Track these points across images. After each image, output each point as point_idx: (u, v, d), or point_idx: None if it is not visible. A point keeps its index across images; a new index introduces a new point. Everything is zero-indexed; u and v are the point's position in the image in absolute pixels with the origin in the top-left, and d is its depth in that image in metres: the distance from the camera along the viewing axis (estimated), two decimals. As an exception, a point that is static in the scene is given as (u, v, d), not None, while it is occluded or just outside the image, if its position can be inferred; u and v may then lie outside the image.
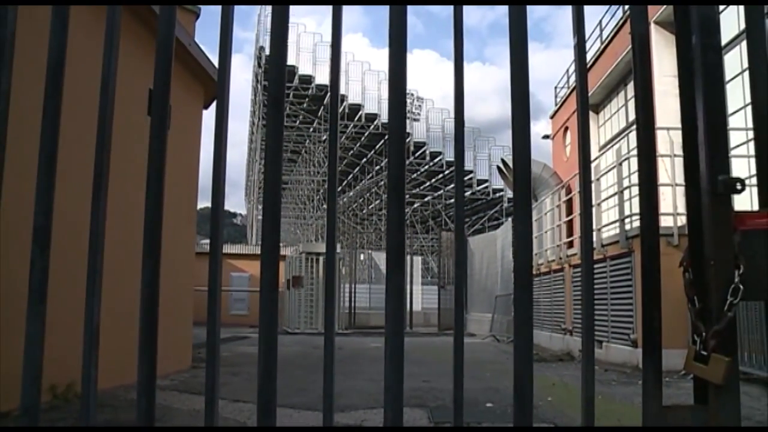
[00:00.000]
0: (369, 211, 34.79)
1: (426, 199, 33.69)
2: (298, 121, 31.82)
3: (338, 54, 1.34)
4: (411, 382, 5.52)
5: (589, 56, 12.88)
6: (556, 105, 18.43)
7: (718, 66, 1.31)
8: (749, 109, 1.37)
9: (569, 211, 11.77)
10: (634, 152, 6.24)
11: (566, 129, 17.01)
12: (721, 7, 3.31)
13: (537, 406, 4.62)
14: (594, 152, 12.92)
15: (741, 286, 1.21)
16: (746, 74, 1.41)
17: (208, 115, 8.16)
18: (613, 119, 14.71)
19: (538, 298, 12.18)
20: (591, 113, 13.79)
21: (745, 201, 1.57)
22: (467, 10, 1.34)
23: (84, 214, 1.26)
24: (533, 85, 1.38)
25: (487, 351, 10.79)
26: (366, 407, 4.66)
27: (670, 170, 7.92)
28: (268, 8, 23.31)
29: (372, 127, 30.07)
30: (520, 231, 1.26)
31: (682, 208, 7.58)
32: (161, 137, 1.27)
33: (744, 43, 4.80)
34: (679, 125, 1.35)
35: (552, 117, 18.72)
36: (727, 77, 8.59)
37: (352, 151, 32.08)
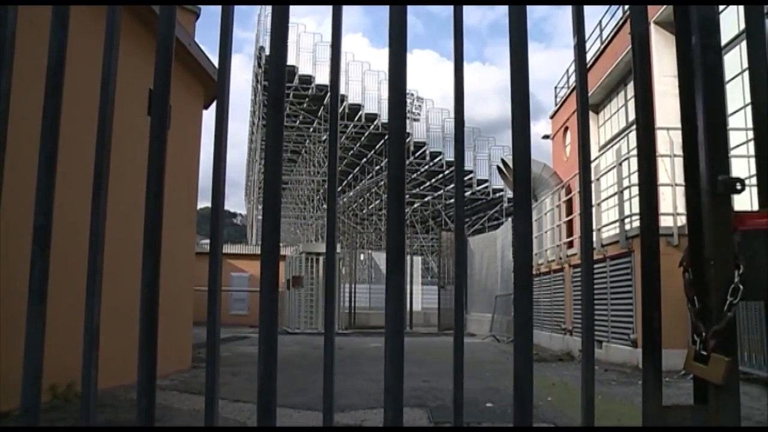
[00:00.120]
0: (369, 211, 34.79)
1: (426, 199, 33.69)
2: (298, 121, 31.82)
3: (338, 54, 1.34)
4: (411, 382, 5.52)
5: (589, 56, 12.89)
6: (556, 105, 18.43)
7: (718, 66, 1.31)
8: (749, 109, 1.37)
9: (569, 211, 11.77)
10: (634, 152, 6.25)
11: (566, 129, 17.01)
12: (721, 7, 3.31)
13: (537, 406, 4.62)
14: (594, 152, 12.92)
15: (741, 286, 1.21)
16: (746, 74, 1.41)
17: (208, 115, 8.16)
18: (613, 119, 14.71)
19: (538, 298, 12.18)
20: (591, 113, 13.78)
21: (745, 201, 1.57)
22: (467, 10, 1.34)
23: (84, 214, 1.27)
24: (533, 85, 1.38)
25: (487, 351, 10.79)
26: (366, 407, 4.66)
27: (670, 170, 7.92)
28: (268, 8, 23.31)
29: (372, 127, 30.07)
30: (520, 231, 1.26)
31: (682, 208, 7.58)
32: (161, 137, 1.27)
33: (744, 43, 4.80)
34: (679, 125, 1.35)
35: (552, 117, 18.72)
36: (727, 77, 8.59)
37: (352, 151, 32.09)
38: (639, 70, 1.35)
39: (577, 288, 9.58)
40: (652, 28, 10.27)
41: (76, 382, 2.19)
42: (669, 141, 7.82)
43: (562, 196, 12.05)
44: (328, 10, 1.32)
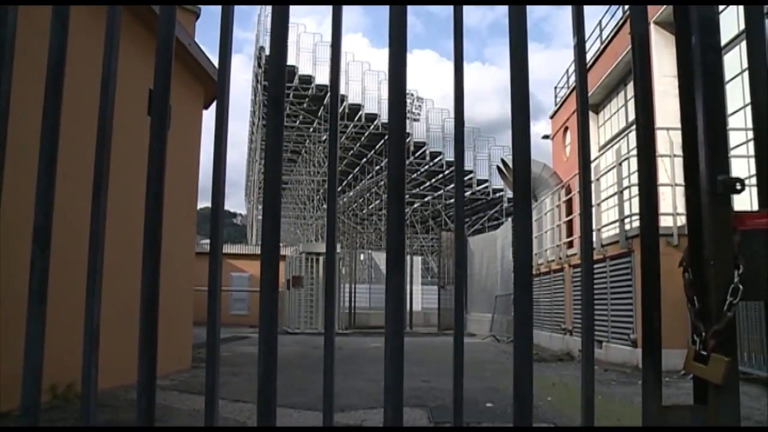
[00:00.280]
0: (369, 211, 34.79)
1: (426, 199, 33.69)
2: (298, 121, 31.82)
3: (338, 54, 1.34)
4: (411, 382, 5.52)
5: (589, 56, 12.89)
6: (555, 105, 18.43)
7: (718, 66, 1.31)
8: (749, 109, 1.37)
9: (569, 211, 11.77)
10: (634, 152, 6.24)
11: (566, 129, 17.01)
12: (721, 7, 3.31)
13: (537, 406, 4.62)
14: (594, 152, 12.92)
15: (740, 286, 1.21)
16: (746, 74, 1.41)
17: (208, 115, 8.17)
18: (613, 119, 14.71)
19: (538, 298, 12.18)
20: (591, 113, 13.78)
21: (745, 201, 1.57)
22: (467, 10, 1.34)
23: (84, 214, 1.27)
24: (533, 86, 1.38)
25: (487, 351, 10.79)
26: (366, 407, 4.66)
27: (670, 170, 7.92)
28: (268, 8, 23.32)
29: (372, 127, 30.07)
30: (520, 231, 1.26)
31: (681, 208, 7.58)
32: (161, 137, 1.27)
33: (744, 43, 4.80)
34: (679, 125, 1.35)
35: (552, 117, 18.72)
36: (727, 77, 8.59)
37: (352, 151, 32.08)
38: (639, 70, 1.35)
39: (577, 288, 9.58)
40: (652, 28, 10.27)
41: (76, 382, 2.19)
42: (669, 141, 7.82)
43: (562, 196, 12.05)
44: (328, 10, 1.32)
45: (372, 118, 29.96)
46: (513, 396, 1.19)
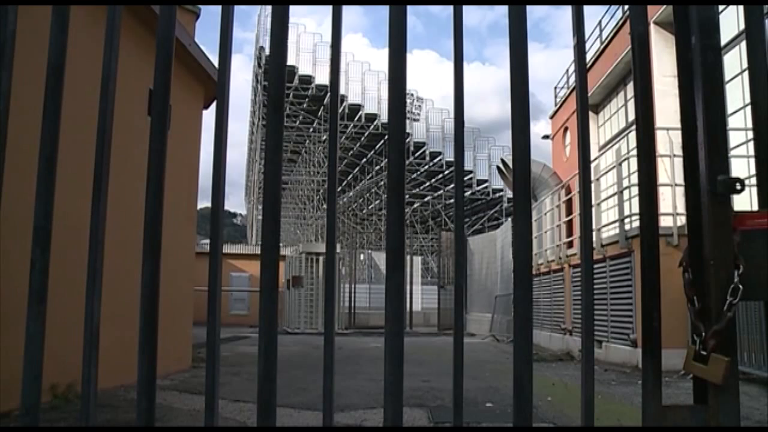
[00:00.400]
0: (369, 211, 34.78)
1: (426, 199, 33.68)
2: (298, 121, 31.81)
3: (338, 54, 1.34)
4: (411, 382, 5.52)
5: (589, 56, 12.90)
6: (555, 105, 18.43)
7: (718, 66, 1.31)
8: (749, 109, 1.37)
9: (569, 211, 11.77)
10: (634, 152, 6.24)
11: (566, 129, 17.01)
12: (721, 7, 3.31)
13: (537, 406, 4.62)
14: (594, 152, 12.92)
15: (740, 286, 1.21)
16: (746, 74, 1.41)
17: (208, 115, 8.17)
18: (613, 119, 14.71)
19: (538, 298, 12.18)
20: (591, 113, 13.77)
21: (745, 201, 1.57)
22: (467, 10, 1.34)
23: (84, 214, 1.27)
24: (533, 86, 1.38)
25: (487, 351, 10.79)
26: (366, 407, 4.66)
27: (670, 170, 7.92)
28: (268, 8, 23.31)
29: (372, 127, 30.06)
30: (520, 231, 1.26)
31: (681, 208, 7.58)
32: (161, 137, 1.27)
33: (744, 43, 4.80)
34: (679, 125, 1.35)
35: (552, 117, 18.72)
36: (727, 77, 8.59)
37: (352, 151, 32.08)
38: (639, 70, 1.35)
39: (577, 288, 9.58)
40: (652, 28, 10.27)
41: (76, 382, 2.19)
42: (669, 141, 7.82)
43: (562, 196, 12.05)
44: (328, 10, 1.32)
45: (372, 118, 29.95)
46: (513, 396, 1.19)
